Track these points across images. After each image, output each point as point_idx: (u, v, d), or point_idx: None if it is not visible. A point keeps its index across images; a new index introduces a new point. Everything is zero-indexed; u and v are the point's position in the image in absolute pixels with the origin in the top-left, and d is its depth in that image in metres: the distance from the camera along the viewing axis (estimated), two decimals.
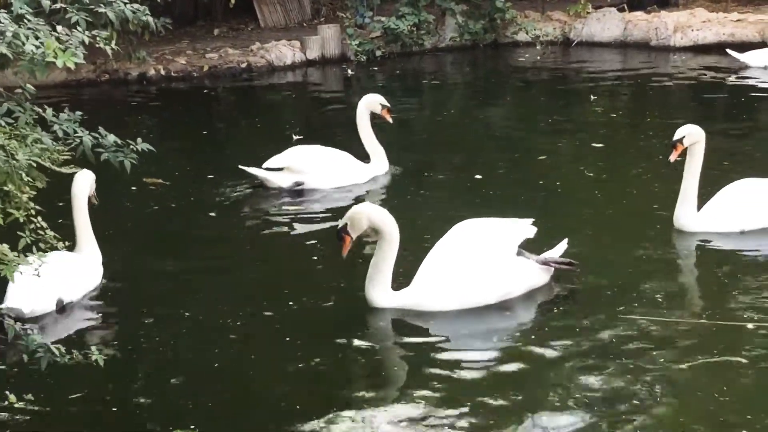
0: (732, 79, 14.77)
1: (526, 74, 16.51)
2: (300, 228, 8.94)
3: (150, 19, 5.57)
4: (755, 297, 6.77)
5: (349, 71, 16.84)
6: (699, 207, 8.01)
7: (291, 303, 6.98)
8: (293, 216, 9.27)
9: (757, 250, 7.72)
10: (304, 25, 19.41)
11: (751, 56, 15.24)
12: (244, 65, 16.74)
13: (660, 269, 7.44)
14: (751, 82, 14.51)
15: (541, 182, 9.73)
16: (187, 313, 6.89)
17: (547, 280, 7.02)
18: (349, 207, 8.38)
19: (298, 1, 19.65)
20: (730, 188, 8.09)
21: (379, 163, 10.19)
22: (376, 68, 17.04)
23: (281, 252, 8.41)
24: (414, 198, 9.54)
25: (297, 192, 9.85)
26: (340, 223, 6.77)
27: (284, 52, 17.16)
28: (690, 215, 7.94)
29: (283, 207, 9.54)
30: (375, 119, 10.28)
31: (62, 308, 7.04)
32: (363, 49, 17.23)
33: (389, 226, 6.71)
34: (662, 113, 12.85)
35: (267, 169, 9.84)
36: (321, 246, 8.13)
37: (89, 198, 7.67)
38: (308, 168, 9.85)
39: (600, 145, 11.07)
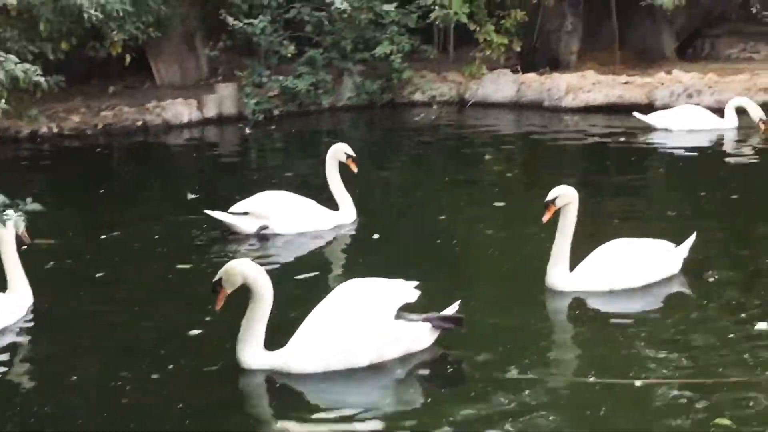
0: (635, 139, 15.15)
1: (423, 134, 16.70)
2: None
3: (41, 79, 5.47)
4: (637, 354, 6.83)
5: (247, 130, 16.80)
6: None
7: (182, 362, 6.82)
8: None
9: (627, 309, 7.81)
10: (201, 83, 19.31)
11: (655, 118, 15.68)
12: (139, 123, 16.55)
13: (540, 329, 7.47)
14: (652, 142, 14.92)
15: (438, 241, 9.76)
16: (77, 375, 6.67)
17: (430, 341, 6.83)
18: (312, 253, 8.88)
19: (195, 60, 19.57)
20: (602, 249, 8.20)
21: (347, 212, 10.40)
22: (273, 127, 17.04)
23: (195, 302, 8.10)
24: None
25: (262, 237, 9.97)
26: (216, 276, 6.63)
27: (181, 110, 17.04)
28: (562, 275, 8.02)
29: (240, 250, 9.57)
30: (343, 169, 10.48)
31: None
32: (260, 108, 17.23)
33: (262, 285, 6.55)
34: (556, 172, 13.06)
35: (232, 213, 10.01)
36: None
37: (20, 238, 7.87)
38: (272, 213, 10.02)
39: (498, 204, 11.17)
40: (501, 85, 18.73)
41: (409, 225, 10.69)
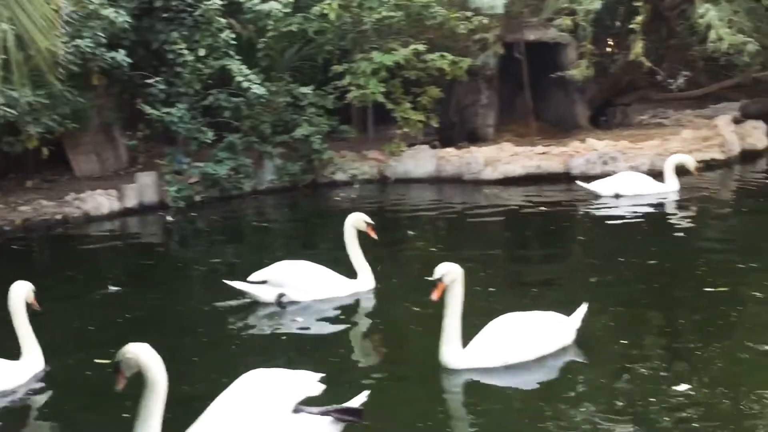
0: (555, 208, 15.43)
1: (346, 213, 16.60)
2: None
3: None
4: (539, 427, 6.86)
5: (168, 218, 16.68)
6: None
7: None
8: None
9: (523, 383, 7.82)
10: (121, 173, 19.17)
11: (600, 185, 16.01)
12: (59, 217, 16.31)
13: (437, 409, 7.41)
14: (584, 210, 15.25)
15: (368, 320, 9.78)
16: None
17: None
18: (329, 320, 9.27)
19: (114, 150, 19.46)
20: (493, 324, 8.22)
21: (366, 280, 10.59)
22: (195, 214, 16.95)
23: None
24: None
25: (281, 304, 10.26)
26: (116, 357, 6.45)
27: (101, 201, 16.86)
28: (454, 353, 7.98)
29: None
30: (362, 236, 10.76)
31: None
32: (181, 195, 17.15)
33: (154, 373, 6.32)
34: (480, 245, 13.25)
35: (250, 282, 10.30)
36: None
37: (29, 306, 8.48)
38: (289, 281, 10.28)
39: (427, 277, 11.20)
40: (421, 161, 18.96)
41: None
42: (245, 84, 17.36)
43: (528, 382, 7.84)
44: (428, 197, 17.55)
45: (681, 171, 16.07)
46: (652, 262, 11.33)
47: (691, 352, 8.27)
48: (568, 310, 8.66)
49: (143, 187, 17.37)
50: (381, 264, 11.41)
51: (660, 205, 15.31)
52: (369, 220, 10.76)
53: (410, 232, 14.17)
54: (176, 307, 10.75)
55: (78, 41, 16.40)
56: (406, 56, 18.43)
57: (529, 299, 9.91)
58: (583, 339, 8.50)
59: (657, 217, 14.63)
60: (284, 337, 9.44)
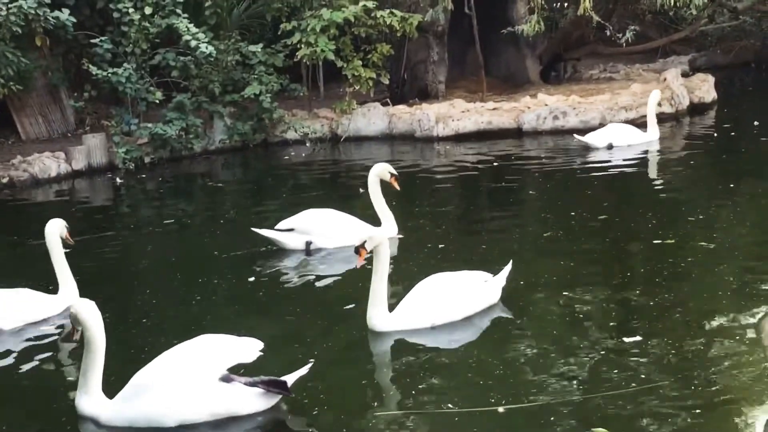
0: (506, 163, 15.46)
1: (298, 171, 16.69)
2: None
3: None
4: (472, 383, 6.92)
5: (118, 179, 16.51)
6: None
7: None
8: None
9: (450, 342, 7.84)
10: (69, 135, 18.93)
11: (593, 137, 16.20)
12: (5, 180, 16.07)
13: (367, 371, 7.49)
14: (542, 165, 15.33)
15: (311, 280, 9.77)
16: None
17: (263, 406, 6.55)
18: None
19: (61, 111, 19.18)
20: (419, 286, 8.27)
21: (389, 227, 10.86)
22: (145, 175, 16.79)
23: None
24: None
25: (309, 252, 10.64)
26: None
27: (48, 164, 16.63)
28: (381, 316, 8.02)
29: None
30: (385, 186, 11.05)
31: None
32: (131, 157, 16.96)
33: (91, 330, 6.52)
34: (432, 202, 13.29)
35: (278, 230, 10.74)
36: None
37: (64, 241, 9.06)
38: (315, 229, 10.65)
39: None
40: (372, 119, 18.90)
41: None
42: (193, 43, 17.13)
43: (455, 341, 7.87)
44: (380, 154, 17.49)
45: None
46: (602, 216, 11.41)
47: (637, 305, 8.36)
48: (515, 265, 8.73)
49: (91, 149, 17.14)
50: None
51: (643, 156, 15.49)
52: (393, 171, 11.05)
53: (361, 190, 14.09)
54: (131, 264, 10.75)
55: (20, 1, 16.08)
56: (356, 13, 18.28)
57: (478, 255, 9.99)
58: (519, 295, 8.59)
59: (611, 169, 14.71)
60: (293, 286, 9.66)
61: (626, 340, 7.47)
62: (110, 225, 13.37)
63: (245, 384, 6.47)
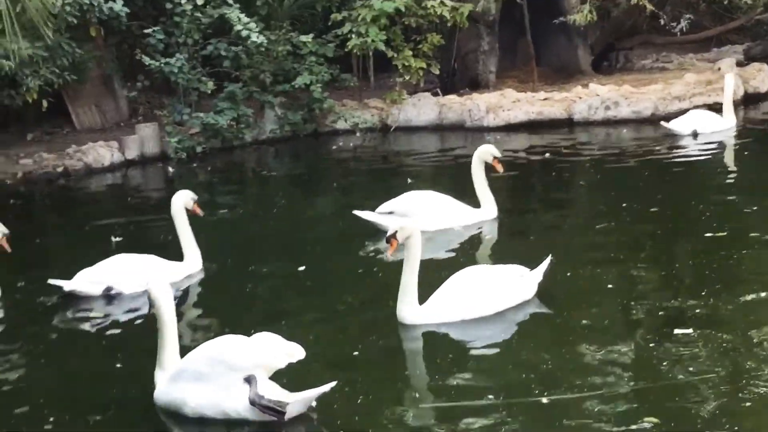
0: (558, 154, 15.37)
1: (348, 162, 16.75)
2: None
3: None
4: (507, 376, 6.91)
5: (170, 169, 16.67)
6: None
7: None
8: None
9: (480, 337, 7.78)
10: (122, 125, 19.13)
11: (677, 124, 16.03)
12: (60, 169, 16.30)
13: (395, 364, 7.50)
14: (593, 155, 15.21)
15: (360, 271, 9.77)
16: None
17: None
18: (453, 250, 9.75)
19: (114, 101, 19.39)
20: (452, 279, 8.18)
21: (489, 209, 11.04)
22: (196, 164, 16.94)
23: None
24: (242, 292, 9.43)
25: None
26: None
27: (102, 153, 16.84)
28: (411, 309, 7.96)
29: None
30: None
31: (109, 295, 9.20)
32: (183, 146, 17.11)
33: (161, 308, 6.77)
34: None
35: (379, 213, 10.86)
36: None
37: (191, 211, 9.76)
38: (415, 211, 10.67)
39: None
40: (422, 109, 18.88)
41: (334, 255, 10.68)
42: (244, 33, 17.21)
43: (488, 334, 7.79)
44: (430, 145, 17.50)
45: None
46: (653, 209, 11.29)
47: (688, 296, 8.27)
48: (564, 257, 8.69)
49: (144, 139, 17.34)
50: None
51: (712, 144, 15.27)
52: (497, 153, 11.11)
53: (410, 180, 14.12)
54: None
55: None
56: (407, 3, 18.26)
57: (523, 247, 9.95)
58: (562, 289, 8.49)
59: (670, 158, 14.54)
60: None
61: (676, 331, 7.39)
62: (164, 213, 13.47)
63: (251, 394, 6.29)
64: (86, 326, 8.79)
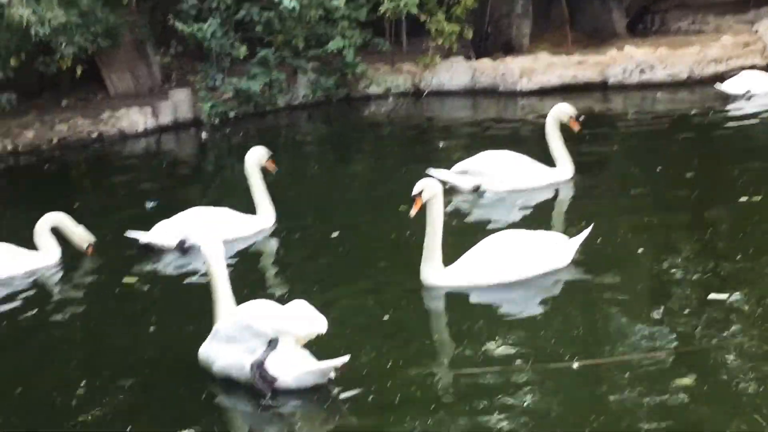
0: (589, 117, 15.23)
1: (381, 126, 16.73)
2: None
3: None
4: (536, 341, 6.87)
5: (203, 134, 16.73)
6: None
7: None
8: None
9: (516, 299, 7.76)
10: (155, 90, 19.15)
11: (730, 85, 15.85)
12: (95, 135, 16.44)
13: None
14: (628, 120, 15.09)
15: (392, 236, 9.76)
16: None
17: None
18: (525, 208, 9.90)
19: (147, 67, 19.42)
20: (483, 243, 8.06)
21: (564, 169, 11.01)
22: (229, 129, 16.97)
23: None
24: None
25: (478, 193, 10.80)
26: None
27: (136, 119, 16.93)
28: (434, 271, 7.89)
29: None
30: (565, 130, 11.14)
31: (183, 248, 9.44)
32: (216, 112, 17.14)
33: (210, 266, 6.93)
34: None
35: (453, 173, 10.90)
36: None
37: (264, 169, 10.01)
38: (488, 171, 10.72)
39: None
40: (455, 73, 18.78)
41: (368, 219, 10.70)
42: None
43: (513, 300, 7.71)
44: (463, 109, 17.42)
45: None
46: (689, 174, 11.19)
47: (723, 261, 8.21)
48: (598, 223, 8.63)
49: (177, 104, 17.40)
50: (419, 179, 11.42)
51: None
52: (574, 112, 11.01)
53: (441, 144, 14.08)
54: None
55: None
56: None
57: (559, 213, 9.89)
58: (596, 254, 8.43)
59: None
60: None
61: (711, 296, 7.35)
62: (198, 178, 13.59)
63: (258, 357, 6.34)
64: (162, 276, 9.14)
